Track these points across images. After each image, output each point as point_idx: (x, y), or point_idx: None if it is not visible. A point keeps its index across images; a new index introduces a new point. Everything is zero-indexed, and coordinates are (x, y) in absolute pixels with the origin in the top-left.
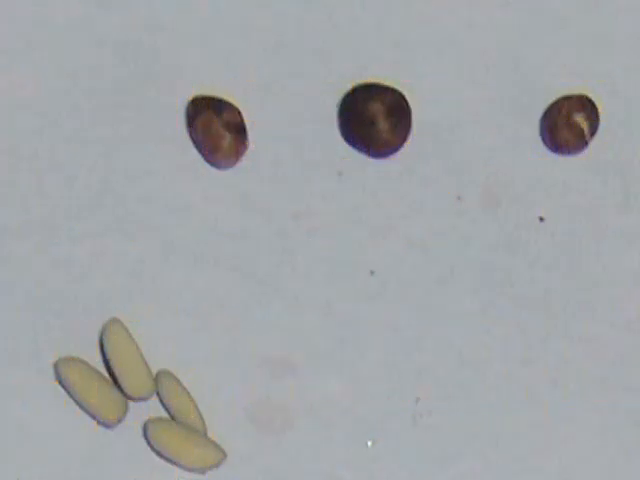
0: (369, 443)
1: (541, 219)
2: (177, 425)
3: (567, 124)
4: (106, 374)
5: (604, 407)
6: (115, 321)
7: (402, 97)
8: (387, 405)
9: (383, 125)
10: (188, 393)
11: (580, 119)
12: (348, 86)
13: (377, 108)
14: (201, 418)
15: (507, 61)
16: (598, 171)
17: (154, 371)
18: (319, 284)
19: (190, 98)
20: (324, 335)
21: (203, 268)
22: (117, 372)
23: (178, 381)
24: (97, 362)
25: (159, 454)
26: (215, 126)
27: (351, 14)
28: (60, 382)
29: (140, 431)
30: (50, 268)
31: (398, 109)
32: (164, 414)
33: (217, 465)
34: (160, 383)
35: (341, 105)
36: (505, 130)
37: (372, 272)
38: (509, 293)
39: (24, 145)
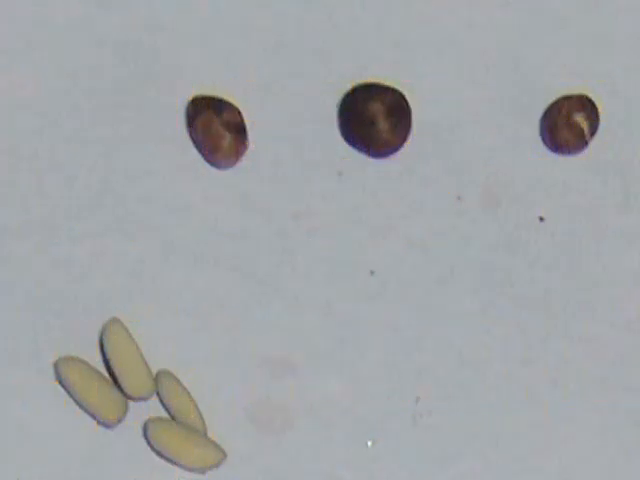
0: (369, 443)
1: (541, 219)
2: (177, 425)
3: (567, 124)
4: (106, 374)
5: (604, 407)
6: (115, 321)
7: (402, 97)
8: (387, 405)
9: (383, 125)
10: (188, 393)
11: (580, 119)
12: (348, 86)
13: (377, 108)
14: (201, 418)
15: (507, 61)
16: (598, 171)
17: (154, 371)
18: (319, 284)
19: (190, 98)
20: (324, 335)
21: (203, 268)
22: (117, 372)
23: (178, 381)
24: (97, 362)
25: (159, 454)
26: (215, 126)
27: (351, 14)
28: (60, 382)
29: (140, 431)
30: (50, 268)
31: (398, 109)
32: (164, 414)
33: (217, 465)
34: (160, 383)
35: (341, 105)
36: (505, 130)
37: (372, 272)
38: (509, 293)
39: (24, 145)
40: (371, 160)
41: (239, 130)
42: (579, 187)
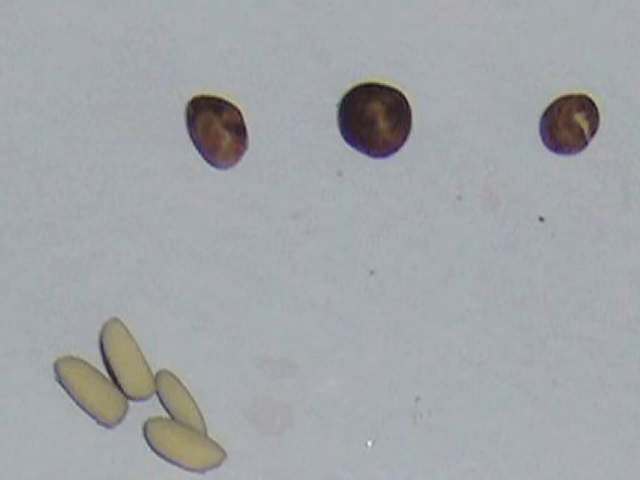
0: (369, 443)
1: (541, 219)
2: (177, 425)
3: (567, 124)
4: (106, 374)
5: (604, 407)
6: (115, 321)
7: (402, 97)
8: (387, 405)
9: (383, 125)
10: (188, 393)
11: (580, 119)
12: (348, 86)
13: (377, 108)
14: (201, 418)
15: (507, 61)
16: (598, 171)
17: (154, 371)
18: (319, 284)
19: (190, 98)
20: (324, 335)
21: (203, 268)
22: (117, 372)
23: (178, 381)
24: (97, 362)
25: (159, 454)
26: (215, 126)
27: (351, 14)
28: (60, 382)
29: (140, 431)
30: (50, 268)
31: (398, 109)
32: (164, 414)
33: (217, 465)
34: (160, 383)
35: (341, 105)
36: (505, 130)
37: (372, 272)
38: (509, 293)
39: (24, 145)
40: (371, 160)
41: (239, 130)
42: (579, 187)
